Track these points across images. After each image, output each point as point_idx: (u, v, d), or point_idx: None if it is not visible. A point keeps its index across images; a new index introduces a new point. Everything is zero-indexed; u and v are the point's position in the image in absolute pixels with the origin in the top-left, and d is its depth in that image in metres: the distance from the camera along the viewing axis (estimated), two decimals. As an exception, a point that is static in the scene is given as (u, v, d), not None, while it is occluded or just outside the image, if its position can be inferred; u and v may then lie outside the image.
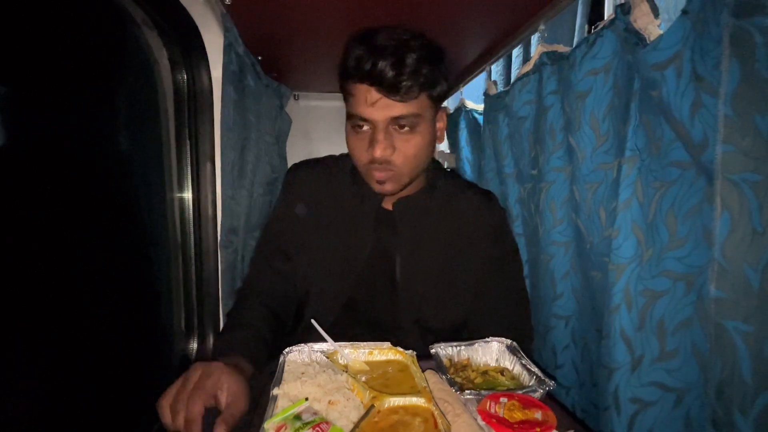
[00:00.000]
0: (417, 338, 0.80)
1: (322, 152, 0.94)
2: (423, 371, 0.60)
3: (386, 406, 0.52)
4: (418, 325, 0.80)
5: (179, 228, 1.05)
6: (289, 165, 0.92)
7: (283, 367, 0.60)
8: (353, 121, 0.70)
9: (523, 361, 0.62)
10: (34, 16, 0.65)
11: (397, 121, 0.68)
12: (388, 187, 0.73)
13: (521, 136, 1.05)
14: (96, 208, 0.81)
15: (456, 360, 0.66)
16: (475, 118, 1.50)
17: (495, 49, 1.13)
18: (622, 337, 0.68)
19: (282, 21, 0.96)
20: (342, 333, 0.68)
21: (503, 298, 0.83)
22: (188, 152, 1.03)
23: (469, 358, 0.66)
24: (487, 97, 1.24)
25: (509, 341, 0.67)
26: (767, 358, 0.49)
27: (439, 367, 0.61)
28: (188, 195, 1.05)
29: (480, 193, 0.87)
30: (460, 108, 1.53)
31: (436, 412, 0.50)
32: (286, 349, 0.63)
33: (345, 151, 0.90)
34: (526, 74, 0.99)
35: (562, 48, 0.86)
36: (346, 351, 0.63)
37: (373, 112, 0.67)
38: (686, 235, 0.62)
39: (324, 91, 1.68)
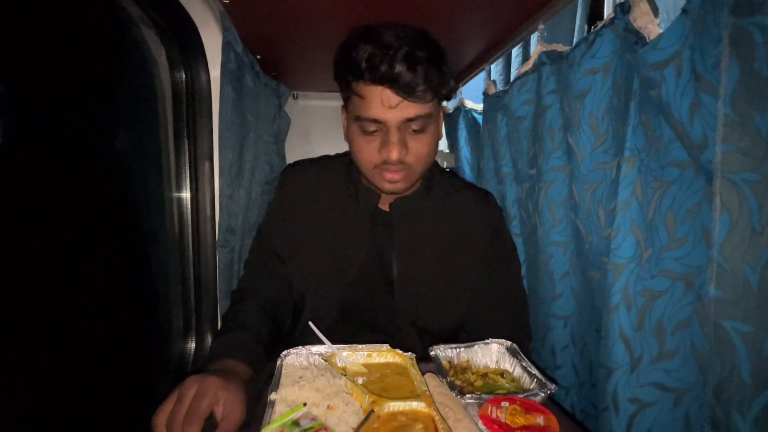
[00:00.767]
0: (414, 340, 0.79)
1: (321, 152, 0.93)
2: (422, 374, 0.59)
3: (386, 410, 0.52)
4: (415, 327, 0.80)
5: (177, 227, 1.04)
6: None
7: (281, 371, 0.59)
8: (362, 123, 0.68)
9: (524, 363, 0.62)
10: (32, 14, 0.65)
11: (410, 122, 0.67)
12: (400, 186, 0.72)
13: (520, 135, 1.05)
14: (93, 207, 0.81)
15: (455, 362, 0.65)
16: (474, 118, 1.50)
17: (494, 48, 1.13)
18: (621, 337, 0.68)
19: (281, 20, 0.96)
20: (339, 335, 0.67)
21: (501, 299, 0.83)
22: (186, 151, 1.03)
23: (468, 361, 0.66)
24: (486, 97, 1.24)
25: (509, 343, 0.67)
26: (766, 358, 0.49)
27: (439, 370, 0.61)
28: (186, 194, 1.05)
29: (477, 193, 0.87)
30: (459, 108, 1.53)
31: (436, 417, 0.50)
32: (284, 352, 0.63)
33: (344, 150, 0.90)
34: (525, 74, 0.99)
35: (561, 47, 0.86)
36: (345, 354, 0.63)
37: (387, 114, 0.65)
38: (685, 235, 0.61)
39: (323, 91, 1.68)
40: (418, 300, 0.79)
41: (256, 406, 0.57)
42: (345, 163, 0.84)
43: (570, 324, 0.94)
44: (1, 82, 0.62)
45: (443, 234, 0.81)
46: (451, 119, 1.61)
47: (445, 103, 1.45)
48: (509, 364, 0.64)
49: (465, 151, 1.56)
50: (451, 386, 0.56)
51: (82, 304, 0.78)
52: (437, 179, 0.84)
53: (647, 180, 0.66)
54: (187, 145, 1.02)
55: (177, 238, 1.04)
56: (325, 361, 0.61)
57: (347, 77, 0.68)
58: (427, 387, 0.56)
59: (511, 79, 1.08)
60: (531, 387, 0.58)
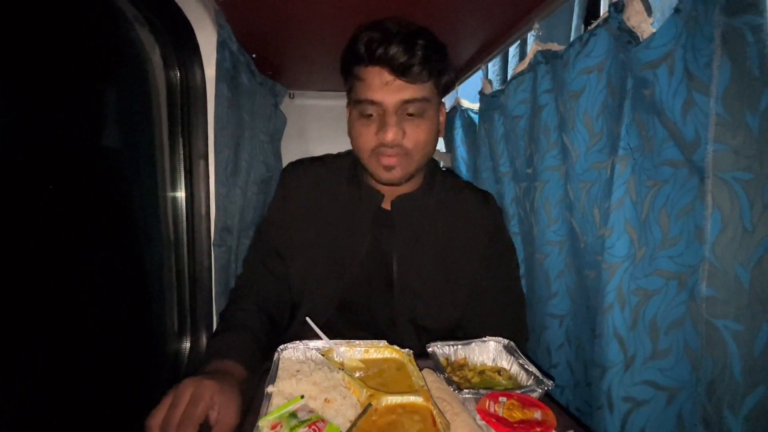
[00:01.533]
0: (412, 337, 0.79)
1: (317, 151, 0.93)
2: (420, 370, 0.59)
3: (384, 404, 0.52)
4: (413, 325, 0.80)
5: (172, 226, 1.04)
6: (285, 164, 0.92)
7: (278, 364, 0.59)
8: (361, 107, 0.70)
9: (521, 361, 0.62)
10: (25, 12, 0.64)
11: (407, 104, 0.68)
12: (397, 173, 0.72)
13: (517, 135, 1.05)
14: (87, 206, 0.80)
15: (453, 359, 0.66)
16: (470, 117, 1.50)
17: (490, 47, 1.13)
18: (615, 336, 0.68)
19: (276, 18, 0.95)
20: (337, 333, 0.67)
21: (499, 298, 0.83)
22: (181, 150, 1.02)
23: (466, 358, 0.66)
24: (483, 96, 1.24)
25: (506, 341, 0.67)
26: (757, 357, 0.49)
27: (437, 367, 0.61)
28: (181, 193, 1.04)
29: (477, 193, 0.87)
30: (456, 107, 1.53)
31: (434, 411, 0.50)
32: (281, 346, 0.63)
33: (340, 149, 0.90)
34: (521, 73, 0.99)
35: (556, 46, 0.86)
36: (342, 349, 0.63)
37: (384, 95, 0.67)
38: (679, 234, 0.62)
39: (319, 90, 1.67)
40: (417, 298, 0.79)
41: (252, 402, 0.57)
42: (348, 161, 0.84)
43: (565, 323, 0.94)
44: (-7, 80, 0.61)
45: (443, 233, 0.81)
46: (448, 118, 1.61)
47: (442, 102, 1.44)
48: (506, 362, 0.65)
49: (461, 150, 1.56)
50: (449, 383, 0.56)
51: (77, 304, 0.77)
52: (438, 178, 0.85)
53: (641, 179, 0.66)
54: (182, 144, 1.02)
55: (172, 237, 1.04)
56: (323, 355, 0.61)
57: (349, 64, 0.71)
58: (425, 382, 0.56)
59: (508, 78, 1.08)
60: (528, 384, 0.58)
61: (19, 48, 0.64)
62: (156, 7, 0.91)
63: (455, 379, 0.60)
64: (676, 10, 0.56)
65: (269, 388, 0.54)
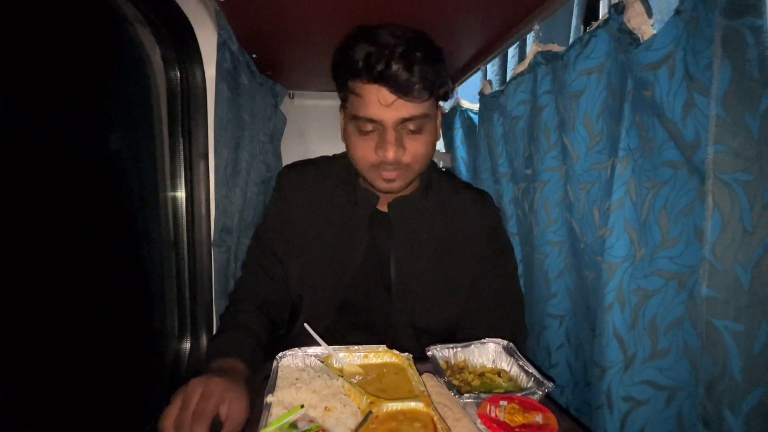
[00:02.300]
0: (411, 340, 0.80)
1: (317, 151, 0.93)
2: (420, 374, 0.59)
3: (384, 411, 0.51)
4: (412, 327, 0.80)
5: (172, 227, 1.04)
6: (284, 164, 0.92)
7: (277, 372, 0.58)
8: (359, 123, 0.68)
9: (520, 362, 0.62)
10: (25, 12, 0.64)
11: (407, 122, 0.67)
12: (397, 185, 0.72)
13: (516, 135, 1.05)
14: (87, 206, 0.80)
15: (453, 362, 0.65)
16: (470, 118, 1.50)
17: (490, 48, 1.13)
18: (614, 336, 0.68)
19: (276, 19, 0.95)
20: (336, 336, 0.67)
21: (497, 298, 0.83)
22: (181, 150, 1.02)
23: (465, 360, 0.66)
24: (483, 97, 1.24)
25: (506, 342, 0.67)
26: (757, 357, 0.49)
27: (436, 370, 0.61)
28: (181, 193, 1.04)
29: (475, 193, 0.87)
30: (456, 107, 1.53)
31: (435, 417, 0.50)
32: (279, 354, 0.62)
33: (340, 150, 0.90)
34: (521, 74, 0.99)
35: (556, 47, 0.87)
36: (341, 355, 0.62)
37: (384, 114, 0.65)
38: (678, 235, 0.62)
39: (319, 90, 1.67)
40: (415, 300, 0.79)
41: (252, 407, 0.56)
42: (343, 164, 0.84)
43: (565, 323, 0.94)
44: (-7, 80, 0.61)
45: (441, 234, 0.81)
46: (447, 119, 1.61)
47: (441, 103, 1.45)
48: (506, 363, 0.65)
49: (461, 150, 1.56)
50: (449, 386, 0.56)
51: (77, 304, 0.77)
52: (435, 179, 0.84)
53: (641, 180, 0.66)
54: (182, 144, 1.02)
55: (172, 237, 1.04)
56: (322, 362, 0.61)
57: (345, 76, 0.68)
58: (425, 387, 0.56)
59: (507, 79, 1.08)
60: (528, 385, 0.58)
61: (19, 48, 0.64)
62: (156, 7, 0.91)
63: (455, 382, 0.60)
64: (677, 12, 0.56)
65: (269, 398, 0.53)
